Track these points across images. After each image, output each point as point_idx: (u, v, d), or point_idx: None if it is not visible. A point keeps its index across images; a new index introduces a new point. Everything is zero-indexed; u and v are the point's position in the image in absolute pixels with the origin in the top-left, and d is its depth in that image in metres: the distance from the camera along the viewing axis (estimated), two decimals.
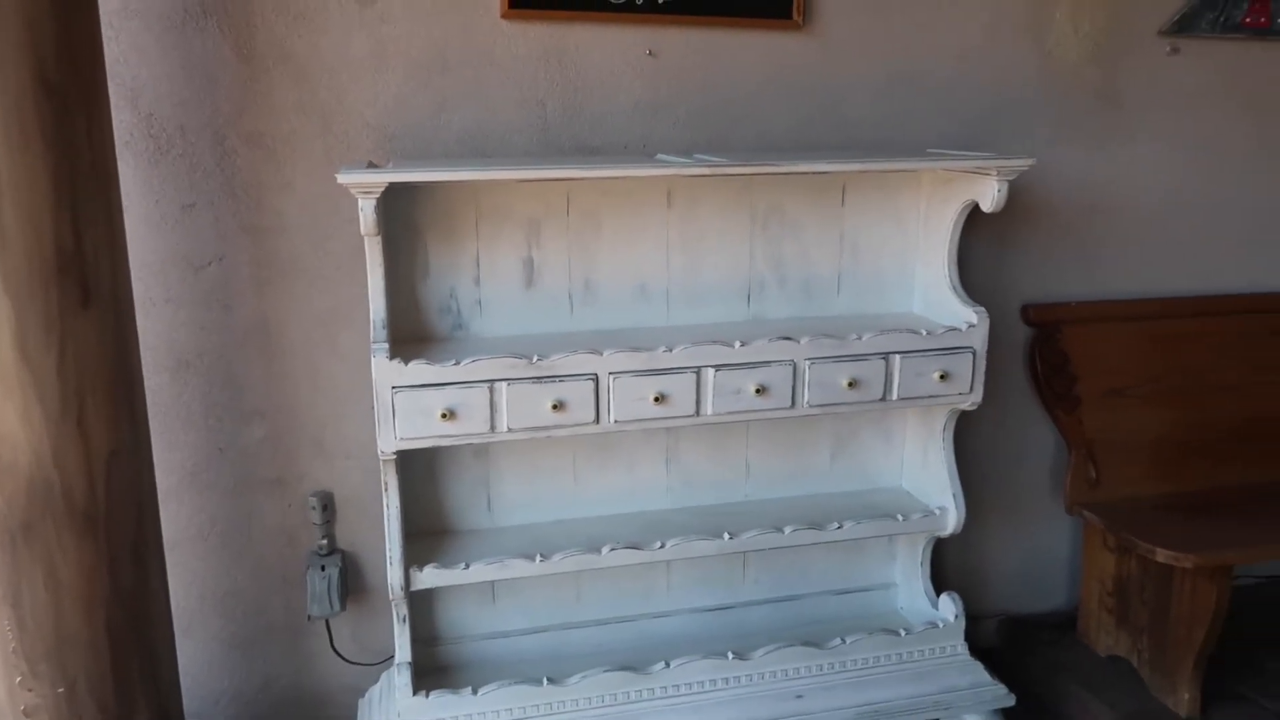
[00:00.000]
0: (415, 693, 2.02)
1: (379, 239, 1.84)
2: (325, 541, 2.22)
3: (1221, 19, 2.48)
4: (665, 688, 2.12)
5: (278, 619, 2.27)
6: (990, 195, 2.04)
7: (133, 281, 1.79)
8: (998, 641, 2.69)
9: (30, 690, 1.62)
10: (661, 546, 2.09)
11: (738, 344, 1.98)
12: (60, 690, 1.63)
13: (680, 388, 1.97)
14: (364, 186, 1.73)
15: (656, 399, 1.95)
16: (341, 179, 1.71)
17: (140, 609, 1.75)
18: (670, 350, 1.95)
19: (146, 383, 1.88)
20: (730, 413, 2.01)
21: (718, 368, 1.97)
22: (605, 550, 2.06)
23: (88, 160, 1.59)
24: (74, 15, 1.56)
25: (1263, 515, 2.43)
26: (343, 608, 2.24)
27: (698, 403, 1.99)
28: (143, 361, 1.84)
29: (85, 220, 1.58)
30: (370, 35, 2.03)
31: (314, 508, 2.20)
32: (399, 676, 2.02)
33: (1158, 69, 2.50)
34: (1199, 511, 2.44)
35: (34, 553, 1.58)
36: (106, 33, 1.84)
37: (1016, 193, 2.24)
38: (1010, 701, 2.26)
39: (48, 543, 1.58)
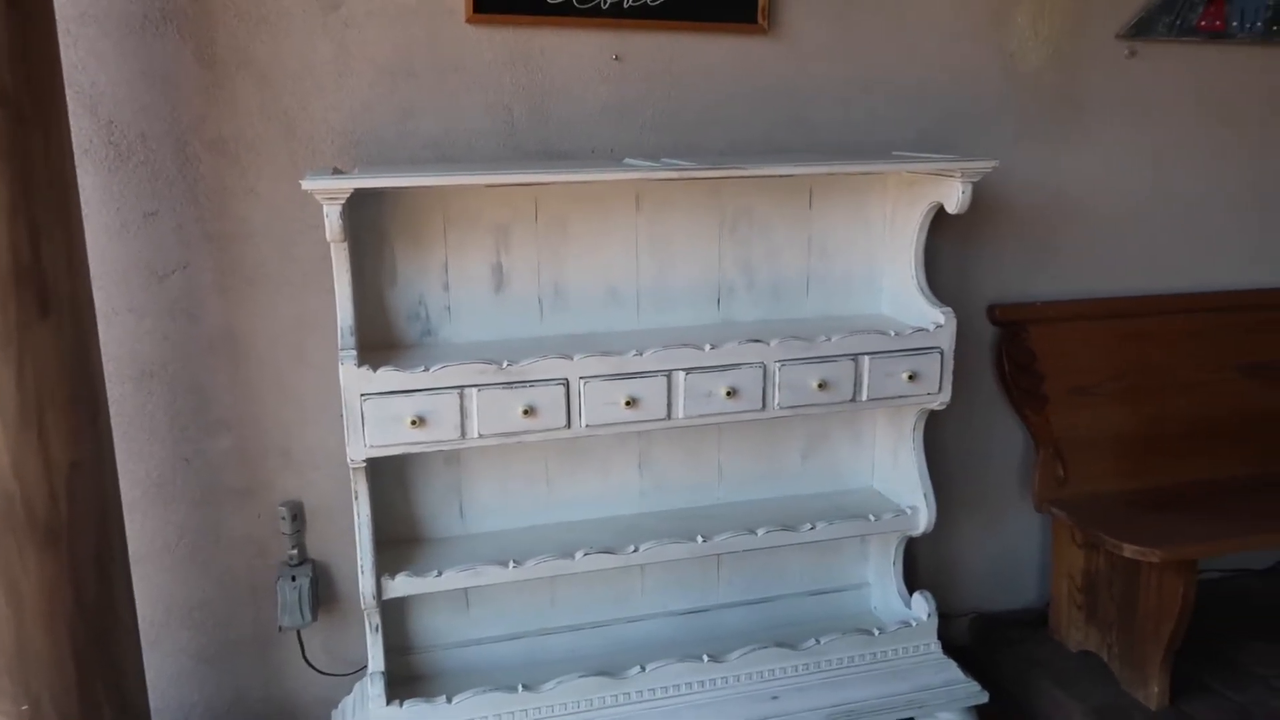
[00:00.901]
0: (389, 703, 2.00)
1: (345, 245, 1.83)
2: (295, 551, 2.20)
3: (1178, 22, 2.53)
4: (641, 691, 2.12)
5: (248, 631, 2.24)
6: (955, 197, 2.06)
7: (94, 291, 1.76)
8: (970, 639, 2.71)
9: None
10: (635, 550, 2.09)
11: (708, 347, 1.98)
12: (24, 707, 1.60)
13: (651, 391, 1.97)
14: (329, 193, 1.72)
15: (627, 403, 1.95)
16: (306, 185, 1.70)
17: (105, 623, 1.72)
18: (641, 354, 1.95)
19: (109, 393, 1.85)
20: (701, 415, 2.01)
21: (688, 371, 1.98)
22: (579, 555, 2.05)
23: (45, 169, 1.56)
24: (29, 22, 1.53)
25: (1225, 509, 2.46)
26: (314, 618, 2.22)
27: (669, 406, 1.99)
28: (105, 372, 1.81)
29: (43, 230, 1.56)
30: (334, 40, 2.02)
31: (283, 517, 2.18)
32: (372, 686, 2.01)
33: (1116, 72, 2.54)
34: (1164, 507, 2.47)
35: None
36: (63, 39, 1.81)
37: (981, 194, 2.27)
38: (983, 698, 2.27)
39: (8, 556, 1.55)
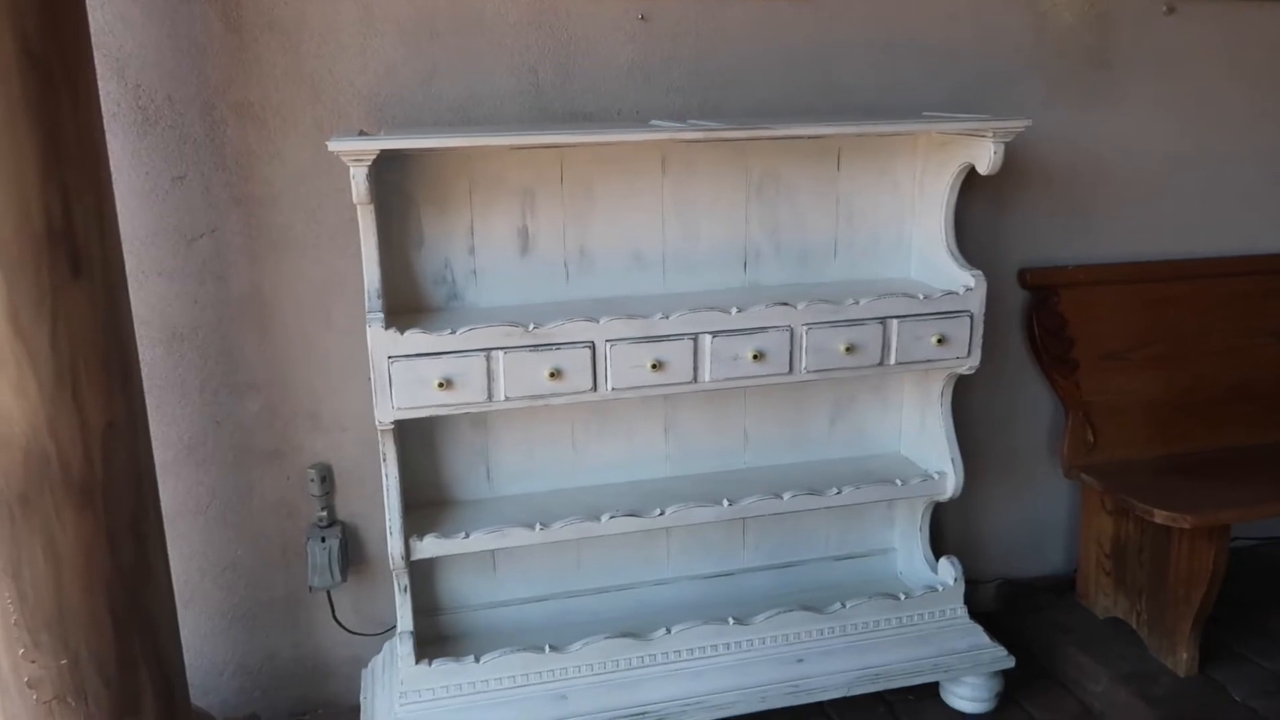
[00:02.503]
0: (418, 662, 2.03)
1: (371, 208, 1.82)
2: (325, 513, 2.23)
3: None
4: (666, 653, 2.13)
5: (279, 591, 2.28)
6: (986, 157, 2.02)
7: (125, 254, 1.77)
8: (997, 605, 2.71)
9: (33, 662, 1.62)
10: (661, 514, 2.09)
11: (734, 310, 1.97)
12: (63, 662, 1.64)
13: (677, 355, 1.96)
14: (355, 154, 1.72)
15: (654, 366, 1.95)
16: (333, 146, 1.70)
17: (141, 582, 1.75)
18: (667, 317, 1.94)
19: (141, 356, 1.87)
20: (728, 379, 2.00)
21: (715, 334, 1.97)
22: (605, 518, 2.06)
23: (74, 131, 1.57)
24: None
25: (1259, 476, 2.43)
26: (344, 579, 2.25)
27: (695, 370, 1.98)
28: (137, 335, 1.83)
29: (73, 192, 1.57)
30: (358, 2, 2.01)
31: (313, 479, 2.20)
32: (401, 646, 2.03)
33: (1153, 30, 2.48)
34: (1196, 473, 2.44)
35: (32, 525, 1.57)
36: (90, 2, 1.81)
37: (1012, 156, 2.22)
38: (1009, 663, 2.27)
39: (46, 515, 1.58)
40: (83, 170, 1.59)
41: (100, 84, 1.72)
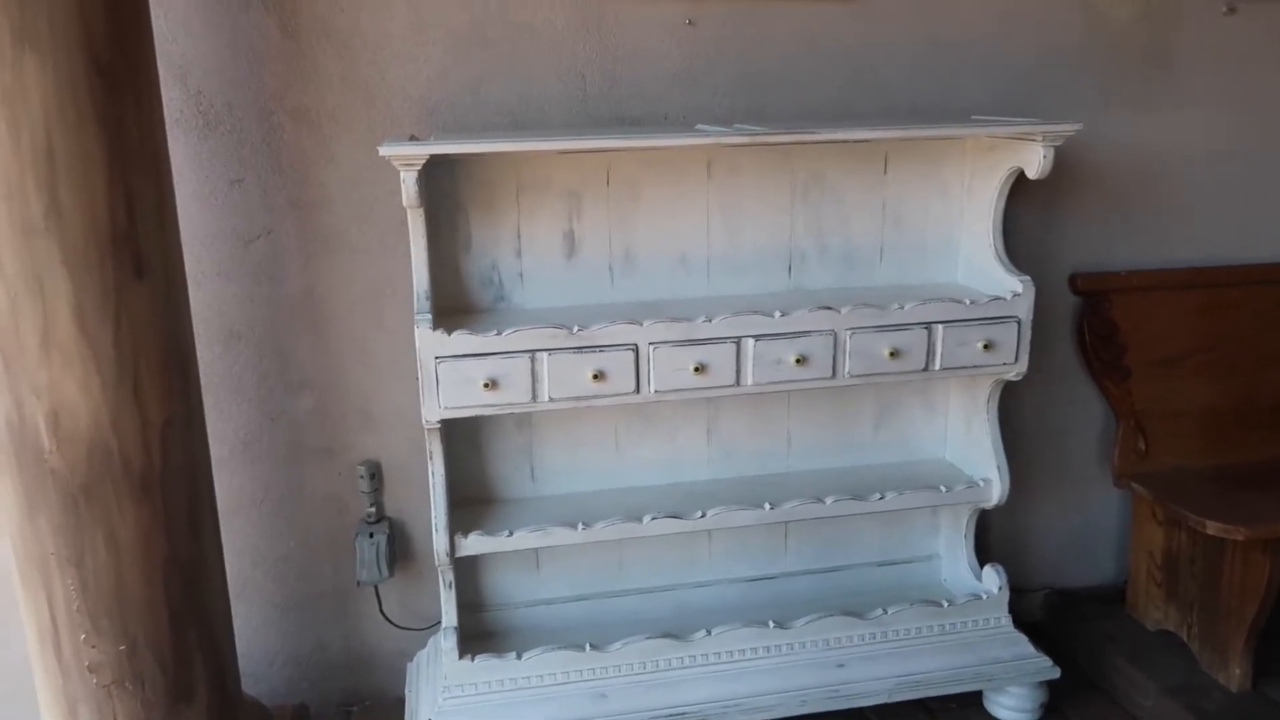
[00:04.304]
0: (461, 657, 2.06)
1: (421, 211, 1.86)
2: (373, 509, 2.27)
3: None
4: (706, 655, 2.14)
5: (328, 585, 2.33)
6: (1036, 161, 2.00)
7: (184, 255, 1.83)
8: (1043, 615, 2.67)
9: (94, 647, 1.68)
10: (702, 516, 2.10)
11: (778, 314, 1.98)
12: (122, 648, 1.70)
13: (720, 358, 1.97)
14: (406, 158, 1.75)
15: (696, 369, 1.96)
16: (384, 151, 1.73)
17: (196, 573, 1.81)
18: (710, 320, 1.95)
19: (199, 354, 1.93)
20: (770, 383, 2.01)
21: (758, 338, 1.97)
22: (646, 519, 2.08)
23: (138, 136, 1.63)
24: None
25: None
26: (391, 574, 2.29)
27: (738, 373, 1.99)
28: (195, 333, 1.88)
29: (137, 195, 1.63)
30: (410, 8, 2.05)
31: (362, 476, 2.25)
32: (446, 641, 2.07)
33: (1212, 29, 2.43)
34: (1250, 483, 2.39)
35: (94, 515, 1.63)
36: (154, 11, 1.87)
37: (1063, 159, 2.20)
38: (1055, 674, 2.24)
39: (107, 506, 1.64)
40: (146, 174, 1.65)
41: (163, 90, 1.78)
